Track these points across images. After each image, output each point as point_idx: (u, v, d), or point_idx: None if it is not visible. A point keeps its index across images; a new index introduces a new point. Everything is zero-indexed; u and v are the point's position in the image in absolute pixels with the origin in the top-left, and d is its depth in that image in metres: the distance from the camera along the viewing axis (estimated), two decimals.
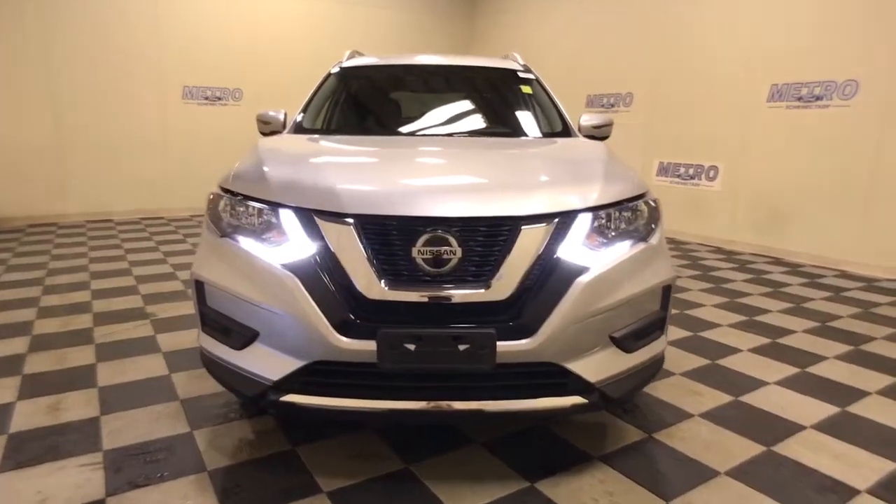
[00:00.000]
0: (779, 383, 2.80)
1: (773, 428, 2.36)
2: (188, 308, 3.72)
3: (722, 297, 4.32)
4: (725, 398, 2.62)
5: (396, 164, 2.22)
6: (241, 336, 1.86)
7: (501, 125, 3.09)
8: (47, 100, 6.62)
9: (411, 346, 1.69)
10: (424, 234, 1.74)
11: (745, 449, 2.19)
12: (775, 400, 2.62)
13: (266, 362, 1.82)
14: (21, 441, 2.13)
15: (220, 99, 7.60)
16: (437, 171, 2.12)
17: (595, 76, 7.79)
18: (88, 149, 6.91)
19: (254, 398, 1.87)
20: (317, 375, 1.79)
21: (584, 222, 1.87)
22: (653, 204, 2.11)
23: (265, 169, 2.04)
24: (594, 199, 1.93)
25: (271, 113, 3.15)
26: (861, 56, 5.23)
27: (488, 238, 1.77)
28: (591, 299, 1.79)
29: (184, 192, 7.52)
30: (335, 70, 3.38)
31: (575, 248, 1.83)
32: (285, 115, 3.16)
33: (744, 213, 6.28)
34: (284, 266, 1.76)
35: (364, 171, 2.07)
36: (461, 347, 1.70)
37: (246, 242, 1.88)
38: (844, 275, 5.19)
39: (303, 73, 8.02)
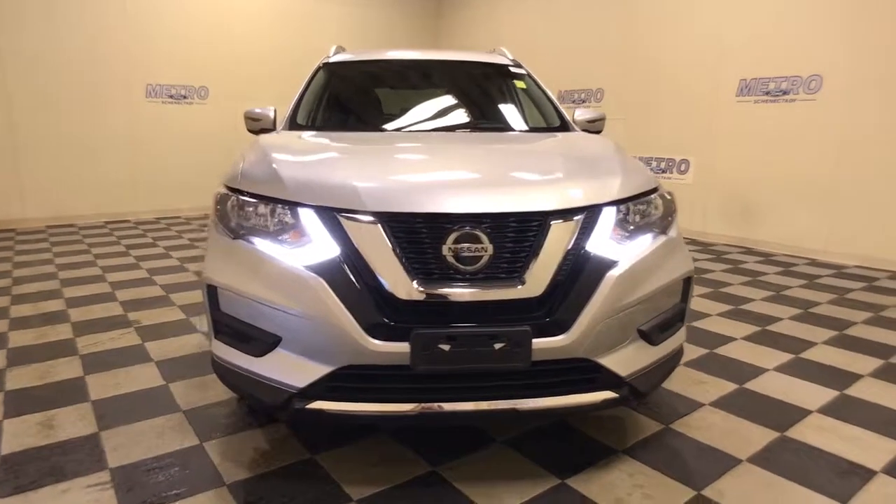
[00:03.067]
0: (777, 369, 2.88)
1: (781, 413, 2.42)
2: (173, 314, 3.56)
3: (706, 288, 4.42)
4: (730, 386, 2.67)
5: (417, 161, 2.16)
6: (262, 342, 1.78)
7: (503, 120, 3.07)
8: (1, 99, 6.23)
9: (446, 347, 1.65)
10: (454, 231, 1.69)
11: (761, 435, 2.23)
12: (777, 386, 2.69)
13: (290, 369, 1.74)
14: (17, 463, 1.98)
15: (185, 97, 7.32)
16: (459, 167, 2.07)
17: (565, 72, 7.86)
18: (47, 150, 6.53)
19: (277, 407, 1.79)
20: (345, 380, 1.72)
21: (609, 216, 1.86)
22: (668, 197, 2.13)
23: (277, 167, 1.95)
24: (616, 192, 1.92)
25: (260, 110, 3.03)
26: (824, 51, 5.43)
27: (519, 234, 1.74)
28: (622, 293, 1.78)
29: (150, 195, 7.23)
30: (325, 65, 3.28)
31: (603, 242, 1.82)
32: (275, 111, 3.05)
33: (716, 206, 6.46)
34: (308, 268, 1.69)
35: (386, 168, 2.01)
36: (497, 346, 1.66)
37: (263, 244, 1.80)
38: (815, 263, 5.40)
39: (270, 70, 7.85)
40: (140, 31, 6.89)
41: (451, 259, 1.69)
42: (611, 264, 1.78)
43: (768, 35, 5.83)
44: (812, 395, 2.60)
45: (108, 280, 4.34)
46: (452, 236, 1.69)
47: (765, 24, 5.84)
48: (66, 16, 6.43)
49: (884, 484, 1.94)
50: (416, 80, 3.32)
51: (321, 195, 1.78)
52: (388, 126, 2.88)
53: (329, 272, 1.67)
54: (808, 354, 3.09)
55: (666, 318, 1.98)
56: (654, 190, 2.08)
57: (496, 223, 1.73)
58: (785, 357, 3.04)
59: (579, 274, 1.75)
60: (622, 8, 7.12)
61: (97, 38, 6.64)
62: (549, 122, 3.06)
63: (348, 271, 1.68)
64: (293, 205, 1.80)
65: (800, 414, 2.42)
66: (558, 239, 1.76)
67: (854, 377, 2.80)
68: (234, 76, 7.61)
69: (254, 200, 1.88)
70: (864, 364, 2.97)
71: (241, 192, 1.93)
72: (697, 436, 2.22)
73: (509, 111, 3.13)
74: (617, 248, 1.83)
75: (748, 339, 3.32)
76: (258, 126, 3.03)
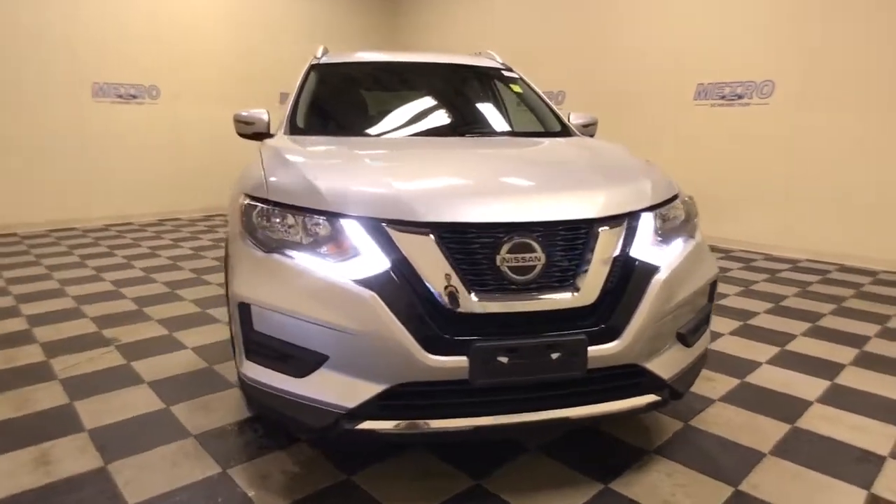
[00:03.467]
0: (769, 363, 3.02)
1: (786, 405, 2.53)
2: (154, 330, 3.34)
3: None
4: (733, 381, 2.78)
5: (455, 168, 2.11)
6: (305, 362, 1.69)
7: (511, 124, 3.07)
8: None
9: (504, 359, 1.62)
10: (508, 240, 1.67)
11: (775, 428, 2.33)
12: (775, 378, 2.82)
13: (338, 389, 1.66)
14: None
15: (135, 97, 6.90)
16: (501, 175, 2.03)
17: (526, 74, 7.95)
18: None
19: (322, 429, 1.70)
20: (397, 398, 1.66)
21: (647, 222, 1.89)
22: (689, 201, 2.18)
23: (311, 176, 1.85)
24: (650, 198, 1.95)
25: (251, 113, 2.88)
26: (776, 58, 5.76)
27: (569, 242, 1.74)
28: (667, 297, 1.81)
29: (98, 201, 6.77)
30: (317, 66, 3.17)
31: (645, 248, 1.84)
32: (269, 114, 2.91)
33: None
34: (359, 282, 1.61)
35: (430, 177, 1.95)
36: (554, 356, 1.65)
37: (304, 258, 1.70)
38: (771, 258, 5.72)
39: (222, 68, 7.53)
40: (85, 26, 6.44)
41: (505, 269, 1.66)
42: (654, 269, 1.81)
43: (724, 42, 6.11)
44: (808, 385, 2.74)
45: (70, 294, 4.02)
46: (506, 246, 1.66)
47: (721, 31, 6.12)
48: (2, 9, 5.91)
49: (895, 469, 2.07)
50: (416, 83, 3.26)
51: (366, 205, 1.71)
52: (403, 131, 2.80)
53: (381, 286, 1.61)
54: (792, 347, 3.26)
55: (698, 320, 2.03)
56: (677, 195, 2.13)
57: (548, 231, 1.71)
58: (772, 350, 3.20)
59: (628, 280, 1.77)
60: (582, 11, 7.28)
61: (38, 33, 6.14)
62: (550, 126, 3.07)
63: (402, 285, 1.62)
64: (334, 216, 1.72)
65: (803, 405, 2.54)
66: (606, 246, 1.76)
67: (838, 367, 2.98)
68: (187, 75, 7.25)
69: (288, 212, 1.78)
70: (842, 354, 3.16)
71: (271, 203, 1.82)
72: (717, 431, 2.30)
73: (514, 115, 3.13)
74: (658, 253, 1.86)
75: (734, 333, 3.46)
76: (251, 130, 2.88)
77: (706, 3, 6.19)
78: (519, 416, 1.71)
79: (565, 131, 3.01)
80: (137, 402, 2.48)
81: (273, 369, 1.75)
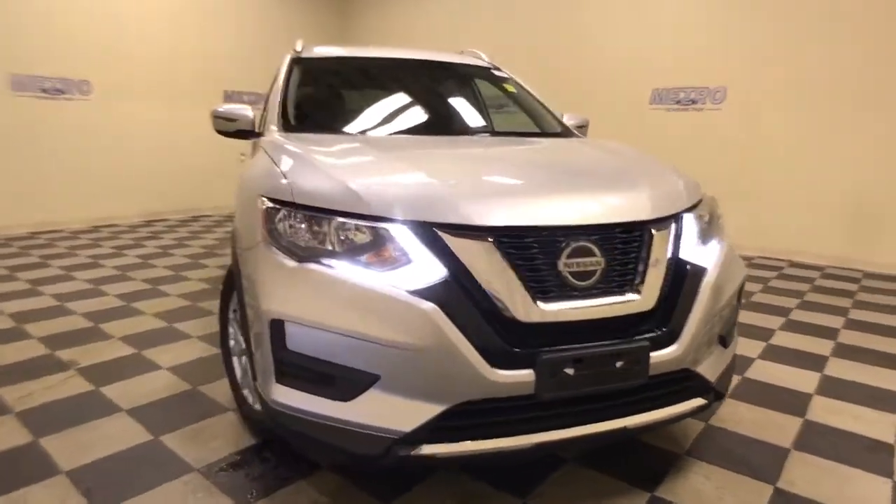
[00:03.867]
0: (760, 357, 3.11)
1: (790, 399, 2.60)
2: (118, 349, 3.00)
3: None
4: (735, 377, 2.83)
5: (498, 170, 1.98)
6: (352, 383, 1.52)
7: (531, 123, 2.99)
8: None
9: (570, 371, 1.53)
10: (569, 244, 1.58)
11: (788, 423, 2.37)
12: (771, 373, 2.90)
13: (391, 412, 1.50)
14: None
15: (62, 92, 6.26)
16: (546, 177, 1.93)
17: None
18: None
19: (372, 457, 1.53)
20: (455, 418, 1.52)
21: (689, 223, 1.86)
22: (712, 200, 2.18)
23: (342, 176, 1.68)
24: (687, 199, 1.93)
25: (236, 109, 2.64)
26: (729, 65, 6.03)
27: (626, 244, 1.67)
28: (716, 298, 1.78)
29: (20, 206, 6.09)
30: (300, 60, 2.95)
31: (691, 249, 1.81)
32: (253, 111, 2.68)
33: None
34: (415, 293, 1.47)
35: (477, 179, 1.82)
36: (618, 364, 1.58)
37: (346, 268, 1.54)
38: None
39: (163, 64, 7.01)
40: (2, 13, 5.77)
41: (566, 274, 1.57)
42: (703, 271, 1.78)
43: (678, 49, 6.33)
44: (802, 378, 2.84)
45: (5, 312, 3.55)
46: (568, 250, 1.57)
47: (675, 39, 6.34)
48: None
49: None
50: (411, 80, 3.10)
51: (415, 209, 1.57)
52: (408, 129, 2.64)
53: (441, 297, 1.47)
54: (774, 341, 3.38)
55: (733, 321, 2.02)
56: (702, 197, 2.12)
57: (606, 234, 1.64)
58: (759, 345, 3.30)
59: (681, 283, 1.73)
60: (544, 15, 7.34)
61: None
62: (549, 126, 3.02)
63: (462, 295, 1.49)
64: (377, 220, 1.56)
65: (804, 398, 2.62)
66: (660, 248, 1.71)
67: (822, 359, 3.11)
68: (122, 69, 6.68)
69: (321, 217, 1.60)
70: (821, 346, 3.30)
71: (299, 207, 1.64)
72: (738, 429, 2.31)
73: (524, 115, 3.06)
74: (702, 254, 1.83)
75: None
76: (233, 127, 2.63)
77: (663, 11, 6.40)
78: (580, 430, 1.62)
79: (566, 132, 2.96)
80: (119, 433, 2.18)
81: (312, 393, 1.56)
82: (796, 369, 2.95)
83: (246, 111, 2.63)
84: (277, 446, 2.10)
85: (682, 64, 6.33)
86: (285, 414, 1.60)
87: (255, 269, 1.67)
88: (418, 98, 2.96)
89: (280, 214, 1.65)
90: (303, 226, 1.62)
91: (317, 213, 1.61)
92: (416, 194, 1.62)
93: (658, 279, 1.68)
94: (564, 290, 1.57)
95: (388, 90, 2.97)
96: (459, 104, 3.09)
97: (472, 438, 1.55)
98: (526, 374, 1.50)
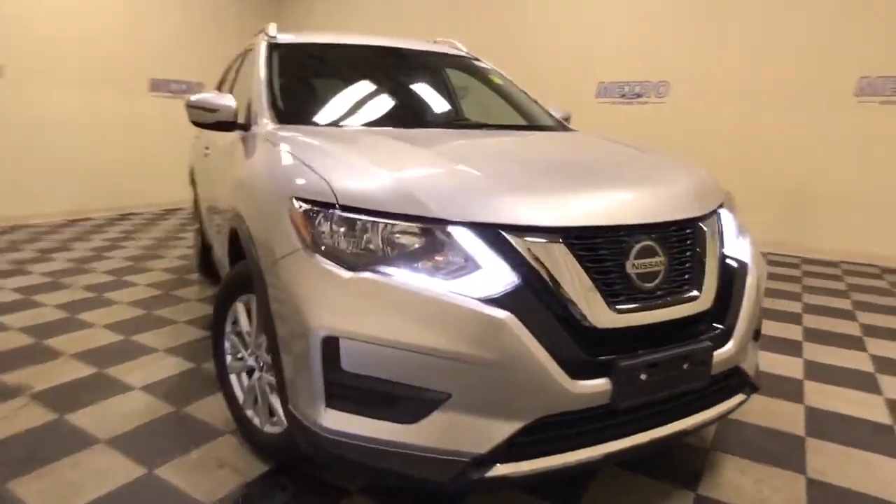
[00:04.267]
0: None
1: (785, 386, 2.69)
2: (74, 369, 2.63)
3: None
4: None
5: (546, 166, 1.86)
6: (419, 404, 1.37)
7: (515, 117, 2.88)
8: None
9: (644, 376, 1.46)
10: (635, 245, 1.51)
11: (796, 411, 2.45)
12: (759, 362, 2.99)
13: (463, 432, 1.37)
14: None
15: None
16: (596, 174, 1.84)
17: None
18: None
19: (442, 483, 1.39)
20: (530, 434, 1.41)
21: (727, 218, 1.85)
22: (729, 195, 2.19)
23: (391, 174, 1.51)
24: (720, 193, 1.92)
25: (216, 99, 2.35)
26: (672, 60, 6.25)
27: (683, 242, 1.63)
28: (760, 295, 1.78)
29: None
30: (281, 46, 2.69)
31: (732, 246, 1.79)
32: (235, 101, 2.41)
33: None
34: (488, 302, 1.34)
35: (535, 177, 1.69)
36: (685, 366, 1.53)
37: (406, 276, 1.38)
38: None
39: (83, 48, 6.33)
40: None
41: (634, 276, 1.50)
42: (746, 266, 1.77)
43: (623, 44, 6.49)
44: (787, 364, 2.95)
45: None
46: (634, 250, 1.50)
47: (620, 34, 6.49)
48: None
49: None
50: (402, 71, 2.92)
51: (478, 210, 1.43)
52: (411, 123, 2.47)
53: (514, 305, 1.35)
54: None
55: (762, 314, 2.04)
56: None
57: (665, 233, 1.59)
58: None
59: (731, 280, 1.71)
60: (492, 8, 7.28)
61: None
62: (541, 120, 2.95)
63: (537, 302, 1.38)
64: (438, 223, 1.42)
65: (797, 384, 2.72)
66: (710, 245, 1.69)
67: (797, 344, 3.27)
68: (37, 53, 5.95)
69: (375, 219, 1.43)
70: (791, 331, 3.47)
71: (346, 209, 1.46)
72: (749, 420, 2.35)
73: (512, 108, 2.95)
74: (740, 249, 1.82)
75: None
76: (214, 118, 2.34)
77: (608, 6, 6.52)
78: (645, 435, 1.56)
79: (560, 125, 2.91)
80: (106, 469, 1.89)
81: (370, 417, 1.40)
82: (780, 355, 3.07)
83: (228, 101, 2.35)
84: (292, 471, 1.90)
85: (627, 58, 6.49)
86: (340, 442, 1.42)
87: (295, 280, 1.46)
88: (413, 89, 2.79)
89: (321, 218, 1.46)
90: (349, 230, 1.45)
91: (366, 216, 1.44)
92: (477, 193, 1.48)
93: (713, 277, 1.65)
94: (633, 293, 1.50)
95: (384, 80, 2.77)
96: (456, 97, 2.95)
97: (545, 454, 1.44)
98: (603, 384, 1.41)
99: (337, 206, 1.46)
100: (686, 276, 1.61)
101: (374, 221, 1.43)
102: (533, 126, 2.83)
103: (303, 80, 2.60)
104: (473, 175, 1.59)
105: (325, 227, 1.45)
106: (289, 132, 2.04)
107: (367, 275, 1.38)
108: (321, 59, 2.79)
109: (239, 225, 1.87)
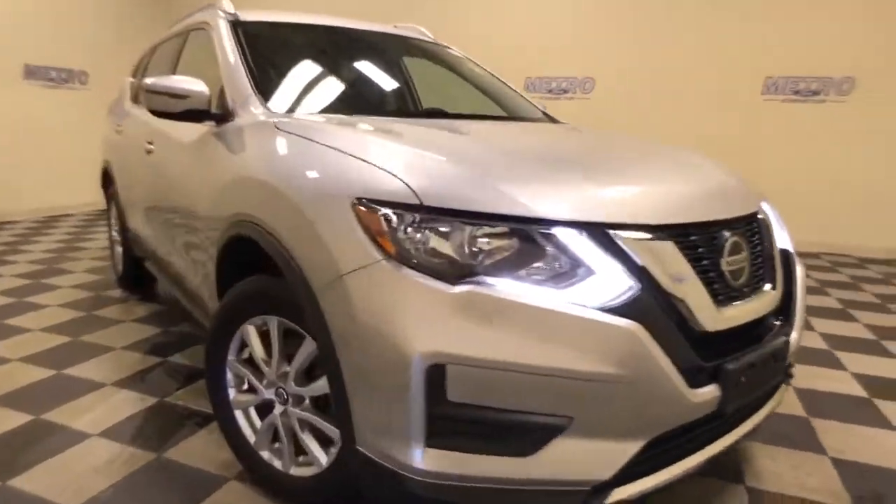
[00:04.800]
0: None
1: None
2: (10, 416, 2.12)
3: None
4: None
5: (618, 162, 1.73)
6: (537, 432, 1.20)
7: (514, 109, 2.75)
8: None
9: (744, 378, 1.40)
10: (727, 240, 1.45)
11: (793, 394, 2.56)
12: None
13: (584, 459, 1.22)
14: None
15: None
16: (663, 168, 1.74)
17: None
18: None
19: None
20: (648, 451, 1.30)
21: (768, 209, 1.86)
22: None
23: (475, 170, 1.32)
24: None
25: (184, 84, 1.97)
26: (595, 58, 6.46)
27: (756, 235, 1.61)
28: (805, 285, 1.80)
29: None
30: (250, 25, 2.35)
31: (779, 236, 1.81)
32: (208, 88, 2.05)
33: None
34: (611, 311, 1.20)
35: (620, 172, 1.56)
36: (773, 363, 1.50)
37: (512, 286, 1.20)
38: None
39: None
40: None
41: (727, 273, 1.44)
42: (792, 256, 1.79)
43: (550, 41, 6.61)
44: None
45: None
46: (727, 246, 1.44)
47: (548, 31, 6.60)
48: None
49: (887, 405, 2.46)
50: (385, 56, 2.66)
51: (587, 207, 1.29)
52: (408, 112, 2.26)
53: (637, 313, 1.22)
54: None
55: None
56: None
57: (744, 228, 1.55)
58: None
59: (789, 271, 1.71)
60: (421, 8, 7.10)
61: None
62: (528, 112, 2.86)
63: (656, 307, 1.26)
64: (542, 224, 1.25)
65: None
66: (770, 237, 1.68)
67: None
68: None
69: (468, 223, 1.23)
70: None
71: (434, 211, 1.24)
72: None
73: (503, 97, 2.82)
74: (783, 239, 1.84)
75: None
76: (182, 107, 1.98)
77: (536, 3, 6.61)
78: (732, 435, 1.53)
79: (549, 117, 2.84)
80: None
81: (479, 453, 1.21)
82: None
83: (199, 87, 1.99)
84: None
85: (554, 55, 6.63)
86: (446, 486, 1.21)
87: (378, 299, 1.21)
88: (404, 77, 2.57)
89: (404, 223, 1.24)
90: (441, 236, 1.24)
91: (459, 219, 1.24)
92: (578, 189, 1.34)
93: (779, 269, 1.65)
94: (728, 292, 1.44)
95: (381, 68, 2.51)
96: (450, 86, 2.76)
97: (655, 470, 1.34)
98: (713, 390, 1.33)
99: (421, 207, 1.24)
100: (760, 271, 1.58)
101: (467, 224, 1.23)
102: (529, 118, 2.73)
103: (285, 64, 2.27)
104: (561, 170, 1.43)
105: (413, 234, 1.23)
106: (304, 121, 1.75)
107: (473, 288, 1.18)
108: (300, 41, 2.47)
109: (258, 236, 1.56)
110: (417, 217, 1.24)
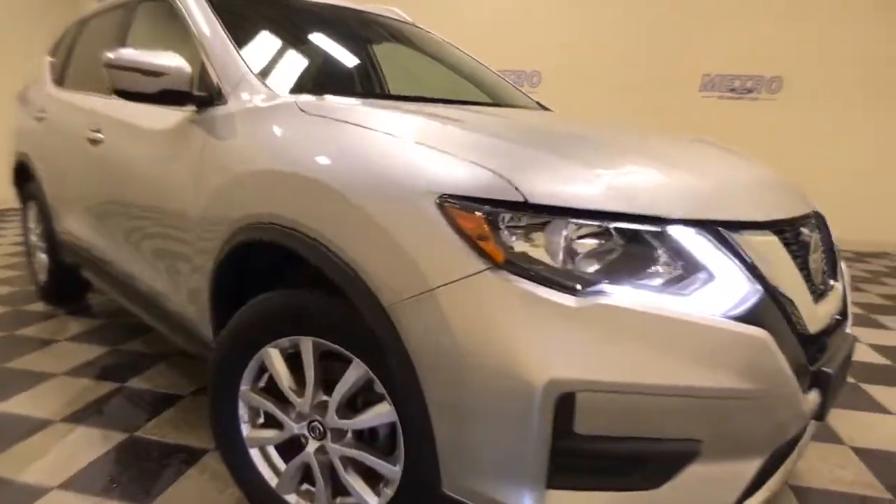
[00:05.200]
0: None
1: None
2: None
3: None
4: None
5: (683, 152, 1.59)
6: (669, 460, 1.06)
7: (502, 95, 2.59)
8: None
9: (839, 380, 1.34)
10: (812, 236, 1.38)
11: None
12: None
13: (710, 484, 1.09)
14: None
15: None
16: (727, 160, 1.63)
17: None
18: None
19: None
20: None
21: None
22: None
23: (575, 162, 1.14)
24: None
25: (161, 59, 1.64)
26: (542, 52, 6.47)
27: (821, 232, 1.55)
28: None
29: None
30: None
31: None
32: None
33: None
34: (740, 319, 1.08)
35: (703, 164, 1.43)
36: (849, 363, 1.46)
37: (636, 295, 1.04)
38: None
39: None
40: None
41: (813, 271, 1.36)
42: (838, 251, 1.77)
43: (495, 35, 6.53)
44: None
45: None
46: (813, 242, 1.37)
47: (492, 24, 6.52)
48: None
49: (876, 390, 2.56)
50: (375, 37, 2.41)
51: (700, 204, 1.15)
52: (404, 96, 2.03)
53: (762, 319, 1.10)
54: None
55: None
56: None
57: (818, 223, 1.50)
58: None
59: (834, 266, 1.68)
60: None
61: None
62: (519, 100, 2.73)
63: (776, 311, 1.15)
64: (657, 222, 1.10)
65: None
66: (829, 232, 1.64)
67: None
68: None
69: (578, 223, 1.06)
70: None
71: (540, 209, 1.05)
72: None
73: (492, 82, 2.67)
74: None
75: None
76: (158, 86, 1.65)
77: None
78: (806, 438, 1.46)
79: (542, 106, 2.73)
80: None
81: (605, 489, 1.04)
82: None
83: (178, 61, 1.67)
84: None
85: (500, 49, 6.57)
86: None
87: (487, 316, 1.00)
88: (398, 60, 2.35)
89: (512, 225, 1.04)
90: (554, 239, 1.05)
91: (569, 219, 1.06)
92: (686, 185, 1.20)
93: (839, 264, 1.61)
94: (815, 290, 1.36)
95: (352, 47, 2.26)
96: (445, 69, 2.56)
97: (763, 482, 1.24)
98: (815, 395, 1.25)
99: (528, 205, 1.05)
100: (828, 266, 1.53)
101: (581, 224, 1.06)
102: (529, 108, 2.60)
103: (272, 42, 1.97)
104: (656, 166, 1.29)
105: (521, 238, 1.03)
106: (342, 105, 1.50)
107: (598, 300, 1.01)
108: (285, 16, 2.16)
109: (292, 242, 1.29)
110: (523, 218, 1.05)
